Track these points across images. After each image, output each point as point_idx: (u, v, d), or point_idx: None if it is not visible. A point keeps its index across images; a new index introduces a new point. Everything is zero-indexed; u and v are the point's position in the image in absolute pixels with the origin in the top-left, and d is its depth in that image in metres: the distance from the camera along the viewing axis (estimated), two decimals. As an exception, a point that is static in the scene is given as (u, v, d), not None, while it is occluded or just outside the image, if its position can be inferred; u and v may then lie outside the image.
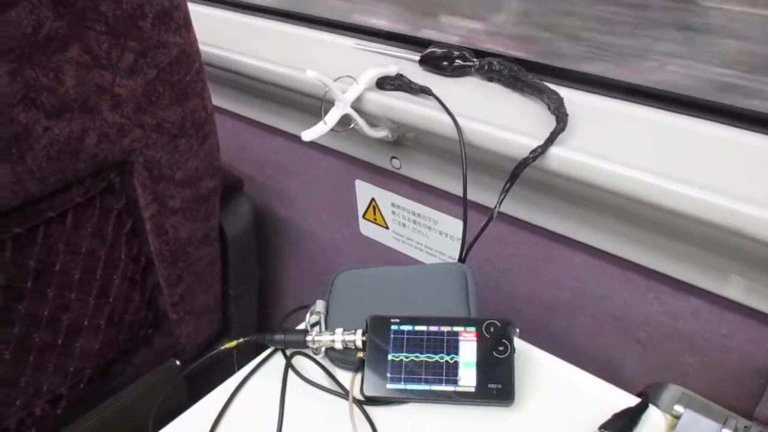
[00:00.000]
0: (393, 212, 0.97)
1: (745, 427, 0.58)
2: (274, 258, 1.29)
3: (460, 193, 0.72)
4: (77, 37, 0.63)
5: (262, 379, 0.63)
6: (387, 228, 1.00)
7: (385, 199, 0.96)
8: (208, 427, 0.59)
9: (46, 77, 0.62)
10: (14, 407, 0.76)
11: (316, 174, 1.06)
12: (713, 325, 0.71)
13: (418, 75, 0.80)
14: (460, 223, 0.87)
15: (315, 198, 1.10)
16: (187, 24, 0.72)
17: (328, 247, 1.15)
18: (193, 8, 0.73)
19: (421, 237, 0.95)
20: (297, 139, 1.03)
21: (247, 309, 1.14)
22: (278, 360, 0.65)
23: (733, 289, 0.67)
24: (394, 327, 0.60)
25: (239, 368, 0.65)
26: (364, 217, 1.03)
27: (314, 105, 0.85)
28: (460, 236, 0.85)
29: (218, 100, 1.09)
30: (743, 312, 0.68)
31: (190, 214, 0.85)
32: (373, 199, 0.98)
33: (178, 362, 0.98)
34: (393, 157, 0.89)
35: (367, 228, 1.04)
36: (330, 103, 0.76)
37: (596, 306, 0.80)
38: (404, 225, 0.97)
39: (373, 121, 0.82)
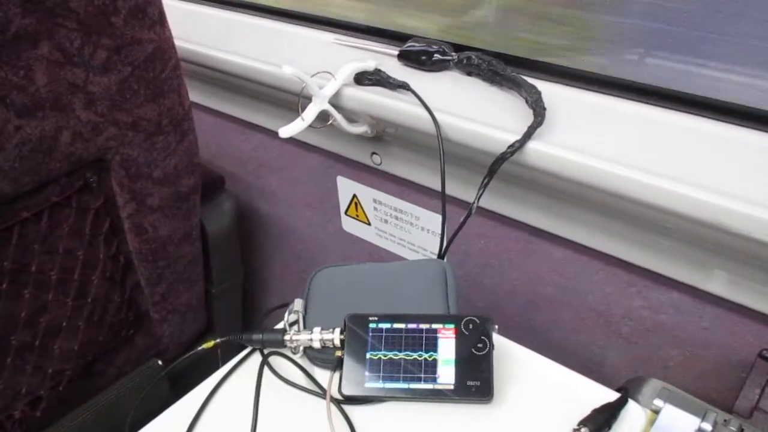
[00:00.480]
0: (375, 208, 0.96)
1: (725, 420, 0.57)
2: (258, 255, 1.28)
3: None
4: (47, 35, 0.62)
5: (241, 379, 0.63)
6: (369, 224, 0.99)
7: (367, 195, 0.96)
8: (186, 426, 0.58)
9: (16, 75, 0.61)
10: (-8, 410, 0.75)
11: (298, 170, 1.05)
12: (695, 319, 0.71)
13: (397, 70, 0.80)
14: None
15: (298, 194, 1.10)
16: (161, 20, 0.71)
17: (312, 243, 1.14)
18: (168, 3, 0.72)
19: (403, 233, 0.95)
20: (277, 135, 1.03)
21: (231, 307, 1.14)
22: (257, 359, 0.64)
23: (716, 284, 0.68)
24: (372, 325, 0.60)
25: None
26: (346, 213, 1.02)
27: (293, 101, 0.85)
28: (442, 232, 0.85)
29: (198, 96, 1.08)
30: (725, 306, 0.69)
31: (170, 212, 0.84)
32: (354, 195, 0.98)
33: (160, 362, 0.97)
34: (373, 153, 0.88)
35: (349, 224, 1.03)
36: (308, 99, 0.75)
37: (579, 301, 0.80)
38: (386, 221, 0.96)
39: (351, 116, 0.81)
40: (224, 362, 0.66)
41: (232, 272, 1.09)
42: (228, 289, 1.09)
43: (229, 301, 1.12)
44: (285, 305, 0.67)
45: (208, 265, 1.01)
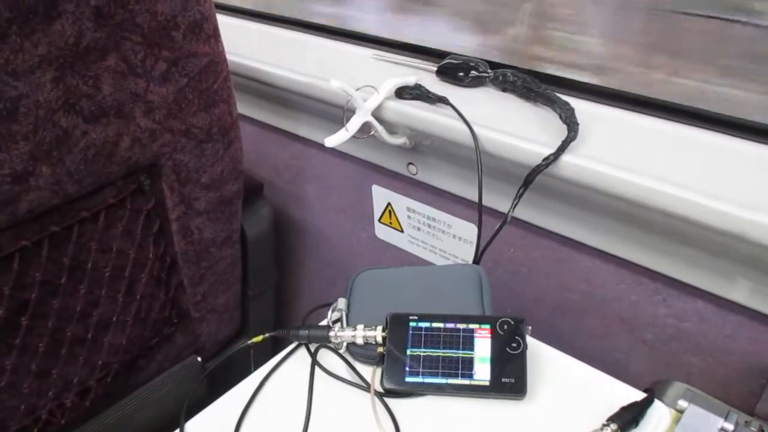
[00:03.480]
0: (408, 216, 1.00)
1: (746, 421, 0.60)
2: (290, 259, 1.32)
3: (474, 198, 0.75)
4: (115, 47, 0.66)
5: (287, 373, 0.66)
6: (402, 231, 1.03)
7: (401, 203, 0.99)
8: (236, 419, 0.62)
9: (86, 84, 0.66)
10: (46, 398, 0.79)
11: (334, 179, 1.09)
12: (717, 327, 0.74)
13: (435, 85, 0.84)
14: (473, 227, 0.90)
15: (332, 202, 1.13)
16: (216, 34, 0.75)
17: (344, 249, 1.18)
18: (220, 19, 0.76)
19: (435, 240, 0.98)
20: (315, 144, 1.07)
21: (264, 308, 1.17)
22: (301, 355, 0.68)
23: (738, 292, 0.70)
24: (412, 324, 0.64)
25: (255, 365, 0.68)
26: (379, 220, 1.06)
27: (333, 112, 0.89)
28: (473, 240, 0.88)
29: (240, 107, 1.12)
30: (746, 314, 0.71)
31: (214, 216, 0.89)
32: (389, 204, 1.02)
33: (198, 359, 1.01)
34: (410, 163, 0.92)
35: (382, 231, 1.07)
36: (351, 111, 0.80)
37: (605, 308, 0.83)
38: (419, 228, 1.00)
39: (391, 128, 0.85)
40: (255, 362, 0.70)
41: (267, 275, 1.13)
42: (262, 292, 1.12)
43: (263, 303, 1.15)
44: (327, 305, 0.71)
45: (245, 267, 1.04)
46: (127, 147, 0.73)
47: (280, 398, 0.64)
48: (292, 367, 0.67)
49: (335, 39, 1.03)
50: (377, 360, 0.64)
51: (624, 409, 0.58)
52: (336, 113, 0.81)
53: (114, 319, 0.82)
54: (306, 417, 0.60)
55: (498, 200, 0.83)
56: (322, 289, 1.29)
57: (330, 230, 1.18)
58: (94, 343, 0.82)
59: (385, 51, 0.96)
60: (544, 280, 0.88)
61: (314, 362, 0.65)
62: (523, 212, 0.83)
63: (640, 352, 0.82)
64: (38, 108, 0.62)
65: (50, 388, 0.79)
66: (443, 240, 0.97)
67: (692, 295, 0.74)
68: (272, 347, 0.73)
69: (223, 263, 0.96)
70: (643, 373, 0.83)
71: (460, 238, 0.94)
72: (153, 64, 0.70)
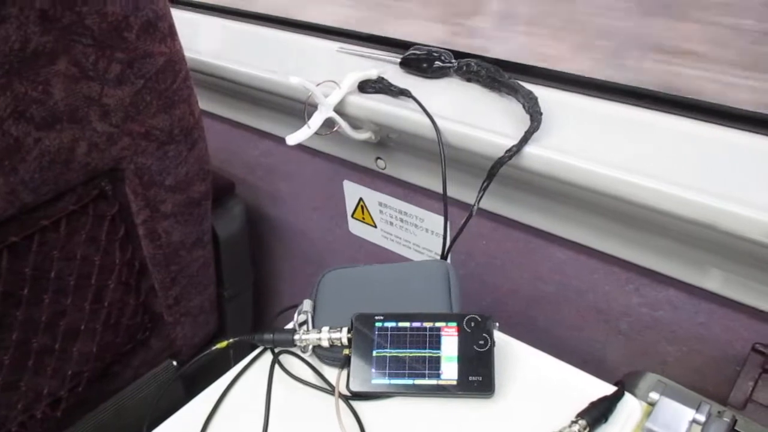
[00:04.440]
0: (380, 211, 0.99)
1: (719, 411, 0.60)
2: (267, 258, 1.31)
3: None
4: (64, 51, 0.65)
5: (253, 377, 0.65)
6: (375, 227, 1.02)
7: (373, 198, 0.98)
8: (202, 423, 0.61)
9: (35, 90, 0.64)
10: (15, 410, 0.78)
11: (306, 175, 1.08)
12: (691, 315, 0.74)
13: (399, 77, 0.82)
14: (444, 221, 0.89)
15: (305, 199, 1.12)
16: (172, 33, 0.74)
17: (320, 246, 1.17)
18: (176, 14, 0.74)
19: (408, 235, 0.97)
20: (285, 142, 1.06)
21: (242, 309, 1.16)
22: (268, 358, 0.67)
23: (711, 281, 0.70)
24: (378, 324, 0.62)
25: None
26: (353, 216, 1.05)
27: (298, 108, 0.87)
28: (445, 234, 0.87)
29: (207, 104, 1.11)
30: (719, 302, 0.71)
31: (182, 218, 0.87)
32: (361, 199, 1.01)
33: (174, 363, 1.00)
34: (378, 158, 0.91)
35: (356, 227, 1.06)
36: (313, 107, 0.78)
37: (578, 298, 0.82)
38: (392, 223, 0.99)
39: (356, 123, 0.84)
40: (236, 363, 0.68)
41: (243, 275, 1.12)
42: (239, 292, 1.12)
43: (240, 304, 1.14)
44: (295, 306, 0.69)
45: (220, 268, 1.03)
46: (84, 152, 0.71)
47: (245, 404, 0.63)
48: (257, 371, 0.66)
49: (301, 33, 1.02)
50: (343, 362, 0.63)
51: (593, 405, 0.57)
52: (300, 108, 0.80)
53: (82, 327, 0.81)
54: (264, 423, 0.59)
55: (466, 193, 0.82)
56: (301, 287, 1.28)
57: (305, 227, 1.17)
58: (63, 353, 0.80)
59: (350, 44, 0.94)
60: (518, 272, 0.87)
61: (273, 367, 0.64)
62: (492, 204, 0.81)
63: (615, 342, 0.82)
64: None
65: (19, 401, 0.78)
66: (416, 234, 0.96)
67: (664, 284, 0.73)
68: (252, 347, 0.72)
69: (195, 265, 0.94)
70: (620, 364, 0.83)
71: (432, 232, 0.93)
72: (106, 67, 0.69)
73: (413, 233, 0.96)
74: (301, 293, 0.68)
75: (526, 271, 0.86)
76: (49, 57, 0.64)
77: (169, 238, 0.87)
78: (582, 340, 0.85)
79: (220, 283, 1.06)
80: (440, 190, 0.85)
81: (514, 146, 0.66)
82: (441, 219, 0.90)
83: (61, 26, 0.63)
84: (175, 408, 0.64)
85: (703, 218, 0.60)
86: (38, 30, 0.62)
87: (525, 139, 0.66)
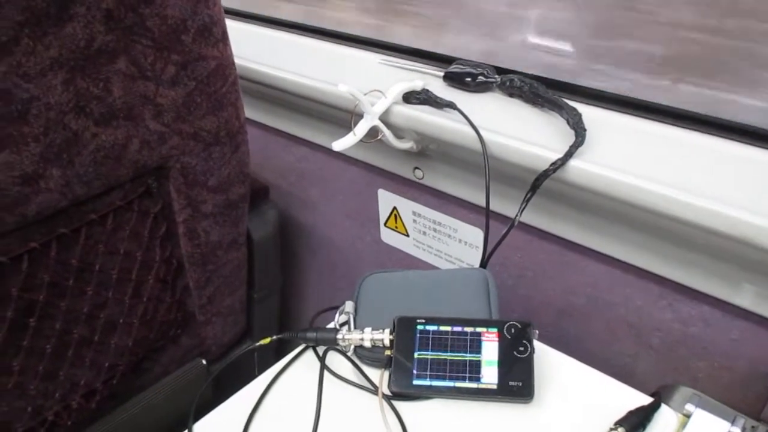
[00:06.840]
0: (414, 220, 1.00)
1: (753, 426, 0.61)
2: (295, 263, 1.32)
3: (480, 203, 0.76)
4: (125, 50, 0.67)
5: (295, 375, 0.67)
6: (407, 236, 1.04)
7: (407, 207, 1.00)
8: (244, 421, 0.62)
9: (96, 87, 0.66)
10: (52, 399, 0.79)
11: (340, 182, 1.10)
12: (723, 332, 0.74)
13: (442, 90, 0.84)
14: (478, 232, 0.90)
15: (337, 205, 1.14)
16: (224, 38, 0.76)
17: (349, 253, 1.18)
18: (228, 23, 0.76)
19: (440, 245, 0.99)
20: (321, 148, 1.08)
21: (269, 311, 1.17)
22: (308, 358, 0.68)
23: (744, 297, 0.70)
24: (420, 327, 0.64)
25: (259, 368, 0.69)
26: (385, 224, 1.06)
27: (340, 116, 0.89)
28: (478, 244, 0.89)
29: (246, 111, 1.13)
30: (752, 319, 0.71)
31: (221, 218, 0.89)
32: (394, 208, 1.02)
33: (204, 361, 1.02)
34: (416, 168, 0.93)
35: (387, 235, 1.07)
36: (359, 116, 0.80)
37: (610, 312, 0.83)
38: (424, 233, 1.00)
39: (398, 132, 0.86)
40: (258, 364, 0.70)
41: (272, 278, 1.13)
42: (268, 295, 1.13)
43: (268, 306, 1.16)
44: (334, 308, 0.71)
45: (251, 271, 1.05)
46: (136, 149, 0.73)
47: (288, 401, 0.64)
48: (300, 369, 0.67)
49: (343, 44, 1.04)
50: (385, 363, 0.64)
51: (631, 413, 0.59)
52: (343, 117, 0.82)
53: (120, 320, 0.83)
54: (315, 419, 0.60)
55: (504, 204, 0.83)
56: (327, 292, 1.29)
57: (335, 234, 1.18)
58: (101, 345, 0.82)
59: (392, 56, 0.96)
60: (550, 285, 0.88)
61: (323, 365, 0.66)
62: (529, 217, 0.83)
63: (646, 356, 0.83)
64: (49, 110, 0.63)
65: (57, 390, 0.79)
66: (449, 244, 0.97)
67: (698, 300, 0.74)
68: (276, 351, 0.73)
69: (229, 266, 0.96)
70: (650, 378, 0.83)
71: (465, 243, 0.94)
72: (162, 68, 0.71)
73: (446, 243, 0.98)
74: (326, 298, 0.70)
75: (558, 284, 0.87)
76: (110, 55, 0.66)
77: (207, 237, 0.89)
78: (612, 353, 0.86)
79: (251, 285, 1.07)
80: (476, 201, 0.87)
81: (558, 159, 0.67)
82: (475, 229, 0.92)
83: (124, 26, 0.66)
84: (202, 405, 0.65)
85: (739, 233, 0.61)
86: (103, 29, 0.64)
87: (570, 153, 0.67)
